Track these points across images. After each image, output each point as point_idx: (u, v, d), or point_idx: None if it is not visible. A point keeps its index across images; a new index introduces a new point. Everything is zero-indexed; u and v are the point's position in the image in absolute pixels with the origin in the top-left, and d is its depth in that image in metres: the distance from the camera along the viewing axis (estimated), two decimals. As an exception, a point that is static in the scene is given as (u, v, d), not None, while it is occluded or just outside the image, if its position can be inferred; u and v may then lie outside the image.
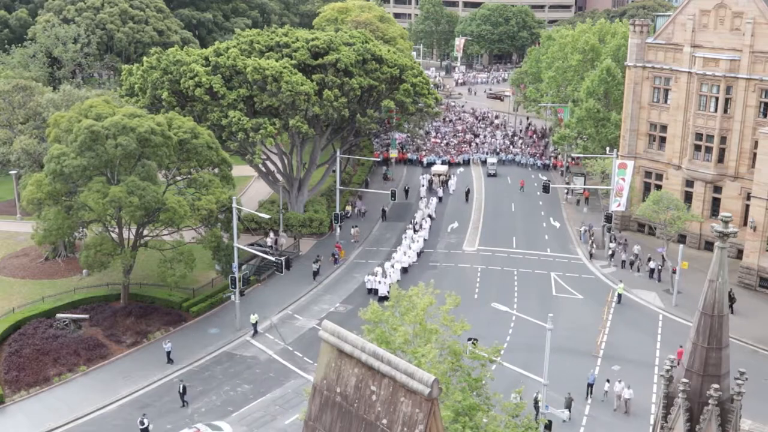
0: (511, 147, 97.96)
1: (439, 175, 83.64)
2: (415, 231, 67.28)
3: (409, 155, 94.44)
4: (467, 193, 79.52)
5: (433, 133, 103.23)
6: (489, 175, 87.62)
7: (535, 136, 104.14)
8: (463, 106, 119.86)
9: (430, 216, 72.24)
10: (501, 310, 42.16)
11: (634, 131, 67.79)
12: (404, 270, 59.51)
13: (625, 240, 65.09)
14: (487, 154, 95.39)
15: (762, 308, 53.95)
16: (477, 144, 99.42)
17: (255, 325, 50.64)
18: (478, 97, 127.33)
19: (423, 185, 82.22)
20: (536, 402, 39.40)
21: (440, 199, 78.80)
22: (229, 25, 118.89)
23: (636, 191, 66.70)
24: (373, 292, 55.75)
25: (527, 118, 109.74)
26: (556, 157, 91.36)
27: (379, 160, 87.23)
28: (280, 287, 57.67)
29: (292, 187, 69.39)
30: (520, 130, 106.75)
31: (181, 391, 43.32)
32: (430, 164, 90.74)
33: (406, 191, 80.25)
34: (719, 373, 14.08)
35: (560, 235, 68.52)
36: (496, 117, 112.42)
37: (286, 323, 52.62)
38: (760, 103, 59.70)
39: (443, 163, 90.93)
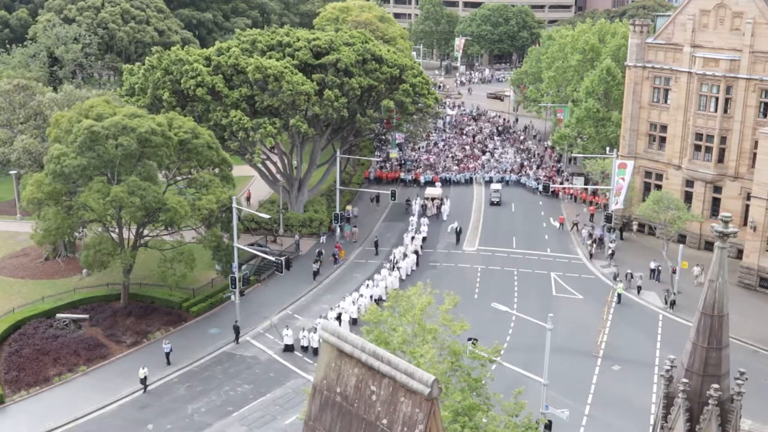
0: (524, 166, 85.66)
1: (434, 199, 73.63)
2: (393, 268, 58.40)
3: (402, 174, 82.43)
4: (458, 232, 66.68)
5: (441, 145, 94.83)
6: (492, 204, 75.54)
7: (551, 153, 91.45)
8: (479, 109, 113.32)
9: (416, 252, 62.15)
10: (501, 310, 42.17)
11: (634, 131, 67.78)
12: (353, 321, 50.38)
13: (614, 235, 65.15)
14: (492, 173, 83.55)
15: (762, 308, 53.95)
16: (484, 163, 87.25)
17: (144, 380, 43.91)
18: (475, 96, 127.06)
19: (414, 212, 71.92)
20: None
21: (412, 239, 65.26)
22: (229, 25, 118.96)
23: (636, 191, 66.69)
24: (304, 348, 48.38)
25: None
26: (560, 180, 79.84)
27: (369, 178, 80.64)
28: (280, 287, 57.68)
29: (292, 187, 69.39)
30: (545, 148, 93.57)
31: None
32: (428, 183, 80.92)
33: (376, 244, 65.39)
34: (719, 373, 14.08)
35: (560, 235, 68.49)
36: (537, 136, 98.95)
37: (286, 323, 52.60)
38: (760, 103, 59.69)
39: (446, 181, 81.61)
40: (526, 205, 76.32)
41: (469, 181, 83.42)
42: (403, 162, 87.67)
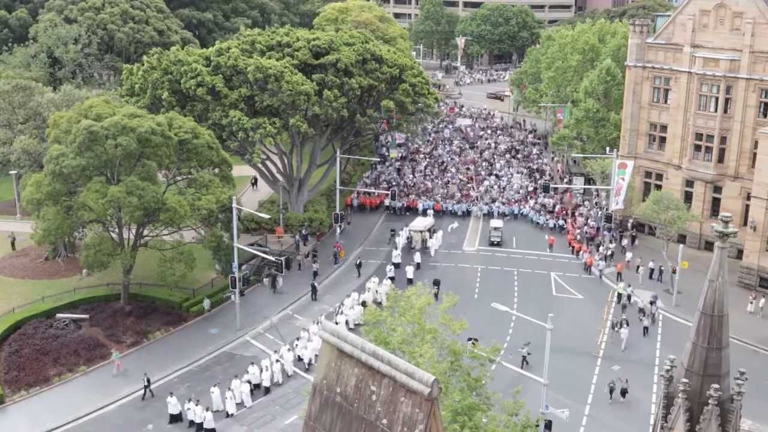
0: (536, 192, 74.60)
1: (420, 232, 64.19)
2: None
3: (387, 201, 71.42)
4: (437, 285, 51.21)
5: (444, 163, 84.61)
6: (491, 244, 65.23)
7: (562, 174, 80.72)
8: (502, 120, 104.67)
9: (361, 303, 52.55)
10: (501, 310, 42.16)
11: (634, 131, 67.76)
12: (267, 390, 44.30)
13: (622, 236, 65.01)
14: (497, 204, 72.32)
15: (758, 309, 53.89)
16: (487, 189, 75.99)
17: None
18: (471, 96, 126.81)
19: (397, 247, 63.12)
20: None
21: (392, 279, 56.70)
22: (229, 25, 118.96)
23: (636, 191, 66.66)
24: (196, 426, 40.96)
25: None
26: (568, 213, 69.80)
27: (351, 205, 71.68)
28: (280, 287, 57.67)
29: (292, 187, 69.39)
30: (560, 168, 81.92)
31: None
32: (425, 211, 70.84)
33: (358, 266, 60.15)
34: (719, 373, 14.08)
35: (560, 236, 68.40)
36: (554, 156, 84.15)
37: (286, 323, 52.60)
38: (760, 103, 59.69)
39: (440, 211, 71.26)
40: (533, 262, 61.82)
41: (467, 213, 72.10)
42: (392, 184, 76.98)
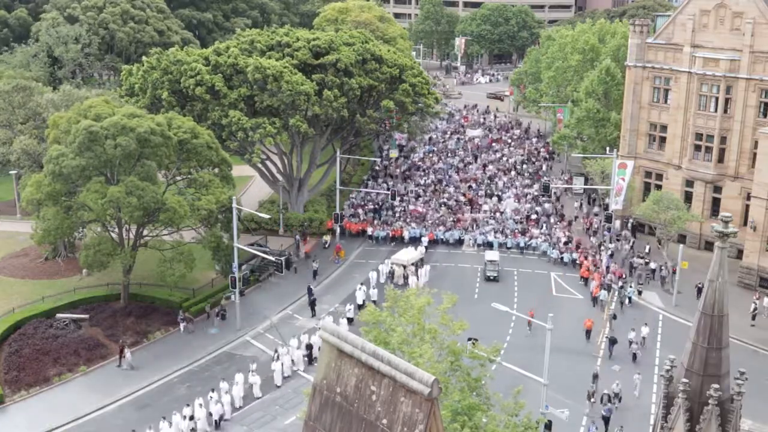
0: (536, 222, 66.05)
1: (404, 266, 56.81)
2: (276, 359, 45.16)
3: (373, 230, 64.89)
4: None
5: (444, 181, 76.53)
6: (487, 279, 57.81)
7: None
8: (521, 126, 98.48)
9: (308, 346, 47.02)
10: (501, 310, 42.16)
11: (634, 131, 67.76)
12: None
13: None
14: (493, 235, 63.84)
15: (762, 308, 53.88)
16: (484, 215, 67.75)
17: None
18: (473, 97, 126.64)
19: (370, 283, 55.09)
20: None
21: (350, 320, 49.23)
22: (229, 25, 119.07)
23: (636, 191, 66.64)
24: None
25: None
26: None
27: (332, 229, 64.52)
28: (280, 287, 57.67)
29: (292, 187, 69.39)
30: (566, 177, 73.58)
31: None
32: (415, 241, 62.52)
33: (312, 304, 53.16)
34: (719, 373, 14.08)
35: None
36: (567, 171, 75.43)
37: (286, 323, 52.60)
38: (760, 103, 59.69)
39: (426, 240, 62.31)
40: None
41: (459, 243, 64.12)
42: (379, 206, 70.51)
